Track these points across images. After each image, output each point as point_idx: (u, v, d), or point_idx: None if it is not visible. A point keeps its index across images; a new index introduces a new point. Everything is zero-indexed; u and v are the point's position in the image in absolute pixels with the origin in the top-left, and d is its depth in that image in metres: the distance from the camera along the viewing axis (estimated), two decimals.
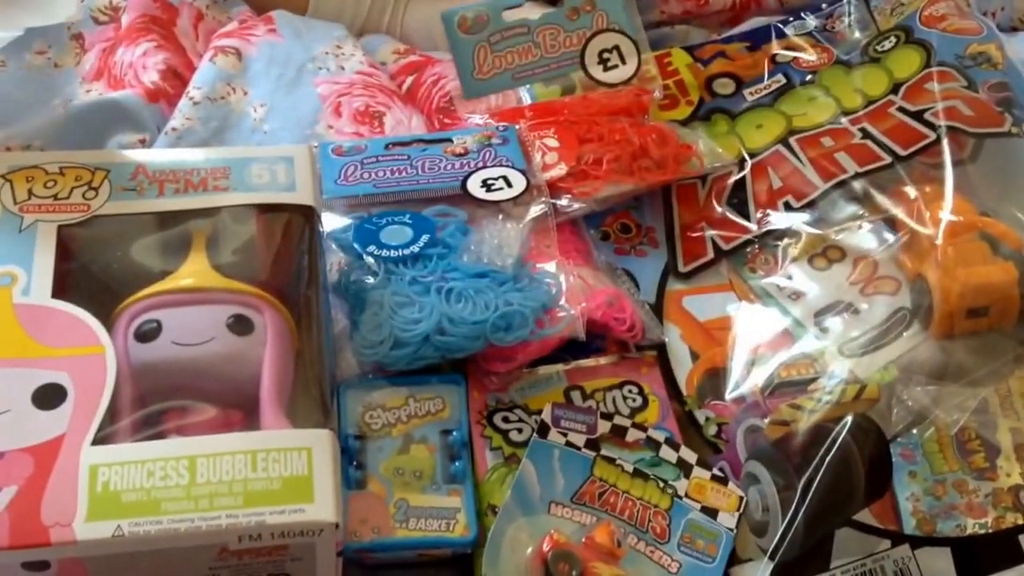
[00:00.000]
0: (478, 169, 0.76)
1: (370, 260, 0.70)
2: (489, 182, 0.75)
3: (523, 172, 0.76)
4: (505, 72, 0.83)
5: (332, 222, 0.72)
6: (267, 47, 0.88)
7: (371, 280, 0.69)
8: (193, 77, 0.85)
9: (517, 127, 0.80)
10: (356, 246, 0.71)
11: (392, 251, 0.70)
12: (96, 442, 0.56)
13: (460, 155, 0.77)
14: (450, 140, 0.79)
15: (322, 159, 0.77)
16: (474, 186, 0.75)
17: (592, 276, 0.75)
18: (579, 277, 0.73)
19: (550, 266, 0.72)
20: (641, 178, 0.78)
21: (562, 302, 0.70)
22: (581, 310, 0.70)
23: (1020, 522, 0.66)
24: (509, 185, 0.75)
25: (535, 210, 0.74)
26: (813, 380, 0.71)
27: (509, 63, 0.84)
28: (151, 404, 0.60)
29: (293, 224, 0.67)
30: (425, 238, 0.71)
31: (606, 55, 0.84)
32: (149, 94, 0.83)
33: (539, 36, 0.84)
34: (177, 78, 0.86)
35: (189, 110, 0.82)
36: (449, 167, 0.76)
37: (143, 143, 0.80)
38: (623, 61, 0.85)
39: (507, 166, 0.76)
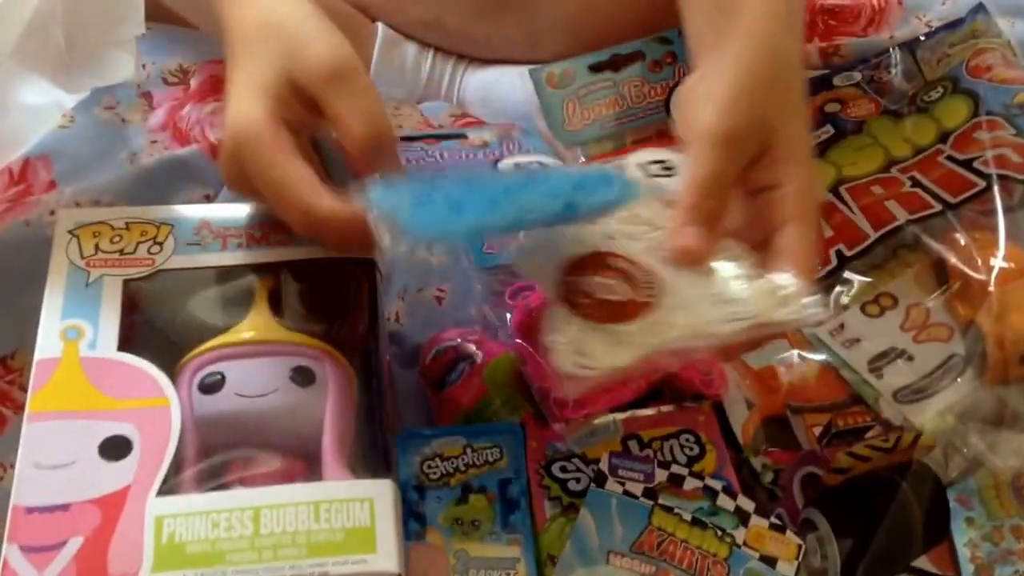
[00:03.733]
0: (505, 155, 0.71)
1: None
2: (523, 166, 0.70)
3: (553, 156, 0.70)
4: (594, 123, 0.82)
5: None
6: None
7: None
8: None
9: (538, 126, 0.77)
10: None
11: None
12: (161, 493, 0.55)
13: (480, 146, 0.73)
14: (465, 136, 0.74)
15: None
16: (507, 168, 0.70)
17: None
18: None
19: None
20: None
21: None
22: None
23: None
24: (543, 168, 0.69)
25: None
26: (869, 428, 0.69)
27: (597, 115, 0.83)
28: (215, 455, 0.58)
29: (353, 276, 0.65)
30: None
31: None
32: (214, 150, 0.82)
33: (624, 88, 0.83)
34: None
35: None
36: (471, 157, 0.71)
37: (208, 198, 0.79)
38: None
39: (536, 153, 0.71)
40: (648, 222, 0.60)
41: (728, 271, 0.59)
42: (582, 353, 0.55)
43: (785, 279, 0.58)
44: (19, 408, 0.69)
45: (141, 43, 0.89)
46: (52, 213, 0.74)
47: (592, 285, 0.57)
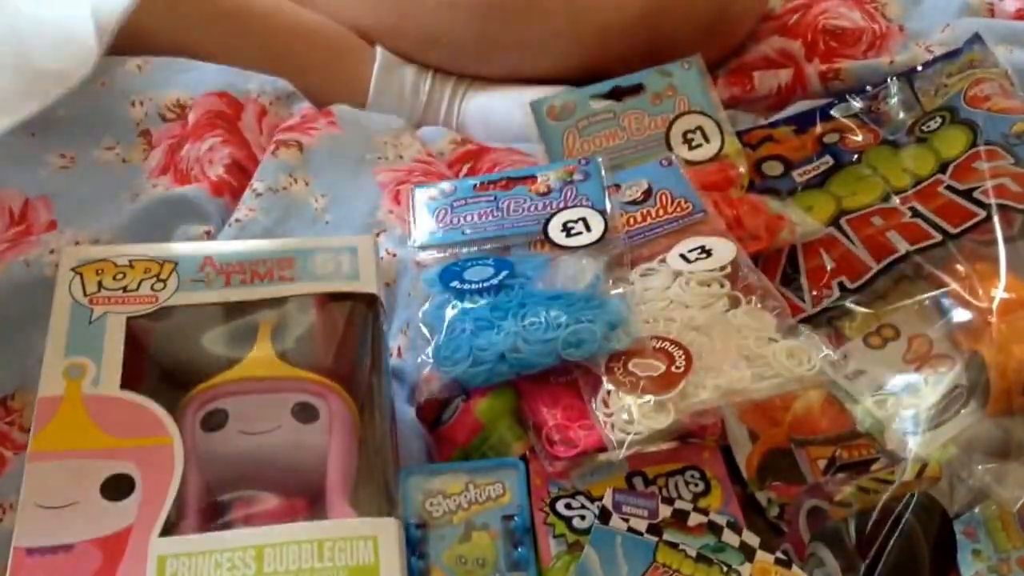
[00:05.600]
0: (559, 210, 0.76)
1: (454, 293, 0.71)
2: (569, 225, 0.75)
3: (602, 213, 0.76)
4: (594, 155, 0.83)
5: (423, 264, 0.75)
6: (327, 139, 0.87)
7: (454, 309, 0.70)
8: (256, 171, 0.84)
9: (599, 160, 0.79)
10: (441, 283, 0.72)
11: (475, 284, 0.71)
12: (164, 532, 0.55)
13: (543, 194, 0.77)
14: (534, 177, 0.79)
15: (414, 204, 0.78)
16: (555, 231, 0.75)
17: None
18: None
19: (619, 291, 0.72)
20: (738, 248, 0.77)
21: None
22: None
23: None
24: (588, 229, 0.75)
25: (612, 250, 0.74)
26: (874, 460, 0.68)
27: (597, 146, 0.84)
28: (218, 492, 0.59)
29: (357, 312, 0.65)
30: (504, 272, 0.72)
31: (690, 135, 0.85)
32: (214, 187, 0.82)
33: (625, 121, 0.85)
34: (241, 171, 0.85)
35: (252, 201, 0.81)
36: (532, 208, 0.77)
37: (208, 235, 0.79)
38: (707, 140, 0.85)
39: (587, 206, 0.76)
40: (684, 302, 0.72)
41: (752, 333, 0.69)
42: (629, 421, 0.65)
43: (804, 337, 0.69)
44: (19, 449, 0.69)
45: (137, 80, 0.91)
46: (52, 252, 0.75)
47: (635, 367, 0.67)
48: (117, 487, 0.56)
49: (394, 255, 0.80)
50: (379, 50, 0.97)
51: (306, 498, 0.59)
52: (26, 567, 0.53)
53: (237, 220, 0.80)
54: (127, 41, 0.91)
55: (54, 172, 0.83)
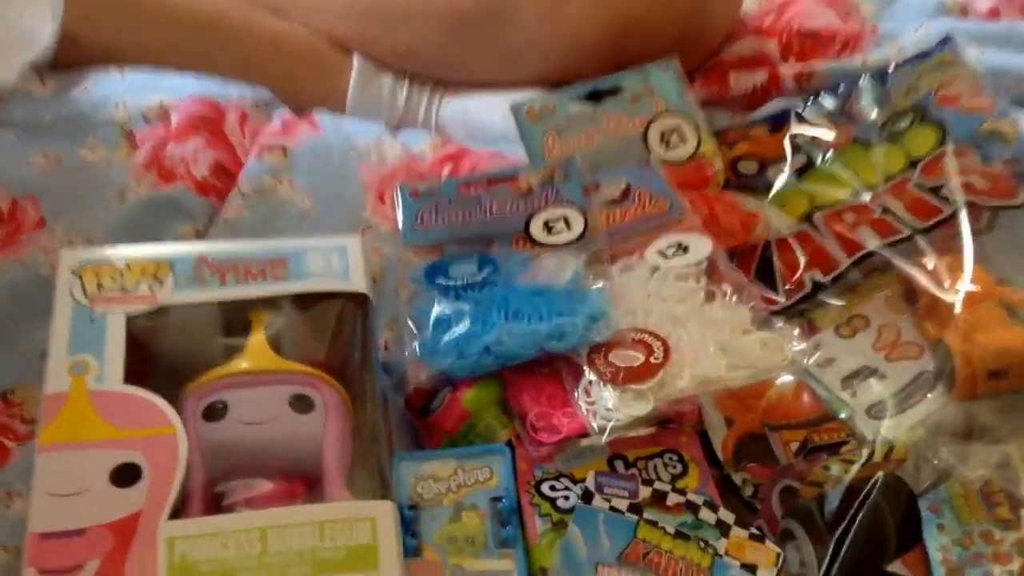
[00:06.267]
0: (541, 209, 0.84)
1: (440, 289, 0.78)
2: (550, 224, 0.83)
3: (582, 211, 0.83)
4: (573, 156, 0.89)
5: (409, 262, 0.82)
6: (310, 141, 0.94)
7: (440, 304, 0.77)
8: (241, 173, 0.91)
9: (579, 160, 0.86)
10: (427, 279, 0.79)
11: (460, 280, 0.79)
12: (171, 517, 0.61)
13: (525, 193, 0.84)
14: (516, 177, 0.86)
15: (400, 202, 0.85)
16: (536, 229, 0.83)
17: None
18: None
19: (599, 285, 0.79)
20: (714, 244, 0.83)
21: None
22: None
23: None
24: (568, 227, 0.82)
25: (592, 247, 0.81)
26: (844, 443, 0.76)
27: (577, 147, 0.90)
28: (220, 479, 0.65)
29: (347, 309, 0.72)
30: (488, 269, 0.79)
31: (667, 136, 0.91)
32: (200, 187, 0.89)
33: (603, 121, 0.91)
34: (225, 173, 0.91)
35: (239, 201, 0.88)
36: (514, 207, 0.84)
37: (198, 233, 0.86)
38: (683, 140, 0.91)
39: (567, 204, 0.83)
40: (662, 297, 0.79)
41: (727, 325, 0.77)
42: (609, 409, 0.73)
43: (777, 328, 0.77)
44: (21, 439, 0.75)
45: (119, 84, 0.97)
46: (47, 253, 0.81)
47: (615, 358, 0.74)
48: (125, 475, 0.62)
49: (380, 252, 0.87)
50: (356, 58, 1.04)
51: (304, 483, 0.66)
52: (41, 550, 0.60)
53: (226, 220, 0.87)
54: (104, 54, 0.98)
55: (40, 172, 0.89)
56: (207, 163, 0.91)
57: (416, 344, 0.76)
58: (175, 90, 0.96)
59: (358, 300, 0.72)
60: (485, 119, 1.00)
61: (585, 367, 0.75)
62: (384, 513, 0.62)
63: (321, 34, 1.04)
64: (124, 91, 0.96)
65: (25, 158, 0.89)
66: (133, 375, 0.67)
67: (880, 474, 0.72)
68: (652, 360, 0.75)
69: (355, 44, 1.04)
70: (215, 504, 0.64)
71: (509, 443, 0.75)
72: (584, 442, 0.75)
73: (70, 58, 0.97)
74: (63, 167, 0.89)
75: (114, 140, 0.92)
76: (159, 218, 0.87)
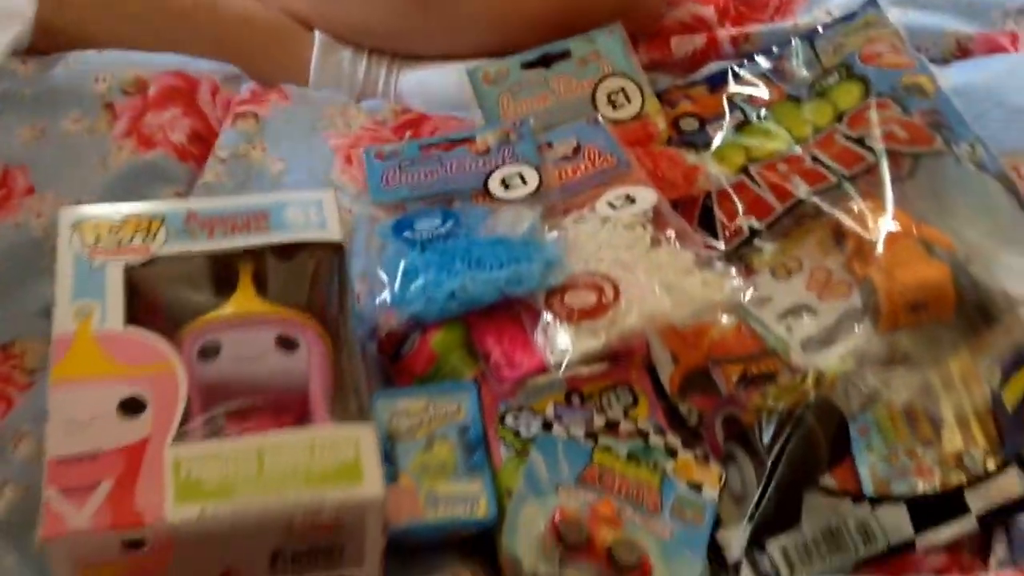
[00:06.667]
0: (497, 167, 0.93)
1: (407, 242, 0.87)
2: (507, 180, 0.92)
3: (536, 168, 0.92)
4: (527, 117, 0.99)
5: (376, 218, 0.91)
6: (280, 110, 1.03)
7: (408, 255, 0.86)
8: (217, 139, 1.00)
9: (532, 121, 0.96)
10: (395, 233, 0.88)
11: (425, 233, 0.87)
12: (175, 442, 0.70)
13: (482, 153, 0.94)
14: (473, 139, 0.95)
15: (366, 164, 0.94)
16: (495, 185, 0.92)
17: None
18: None
19: (553, 235, 0.88)
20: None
21: None
22: None
23: (963, 480, 0.79)
24: (524, 182, 0.92)
25: (546, 201, 0.91)
26: (779, 374, 0.85)
27: (530, 109, 1.00)
28: (216, 410, 0.74)
29: (324, 258, 0.81)
30: (451, 222, 0.88)
31: (613, 96, 1.02)
32: (179, 152, 0.98)
33: (554, 84, 1.02)
34: (201, 141, 1.00)
35: (217, 166, 0.97)
36: (473, 166, 0.94)
37: (179, 195, 0.95)
38: (629, 100, 1.02)
39: (522, 162, 0.93)
40: (612, 244, 0.88)
41: (672, 268, 0.86)
42: (565, 346, 0.82)
43: (717, 269, 0.87)
44: (22, 388, 0.84)
45: (97, 59, 1.06)
46: (39, 216, 0.90)
47: (569, 299, 0.84)
48: (131, 406, 0.70)
49: (349, 211, 0.96)
50: (317, 34, 1.13)
51: (291, 414, 0.75)
52: (59, 473, 0.68)
53: (205, 183, 0.96)
54: (73, 38, 1.07)
55: (26, 143, 0.98)
56: (184, 131, 1.00)
57: (387, 293, 0.86)
58: (150, 64, 1.05)
59: (335, 249, 0.81)
60: (442, 89, 1.09)
61: (543, 309, 0.84)
62: (366, 434, 0.71)
63: (282, 10, 1.13)
64: (101, 67, 1.04)
65: (11, 131, 0.98)
66: (132, 320, 0.75)
67: (812, 397, 0.82)
68: (603, 300, 0.84)
69: (312, 21, 1.13)
70: (213, 432, 0.73)
71: (475, 381, 0.85)
72: (543, 378, 0.84)
73: (45, 45, 1.06)
74: (48, 138, 0.98)
75: (95, 112, 1.01)
76: (142, 182, 0.96)
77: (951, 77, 1.02)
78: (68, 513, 0.66)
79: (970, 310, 0.86)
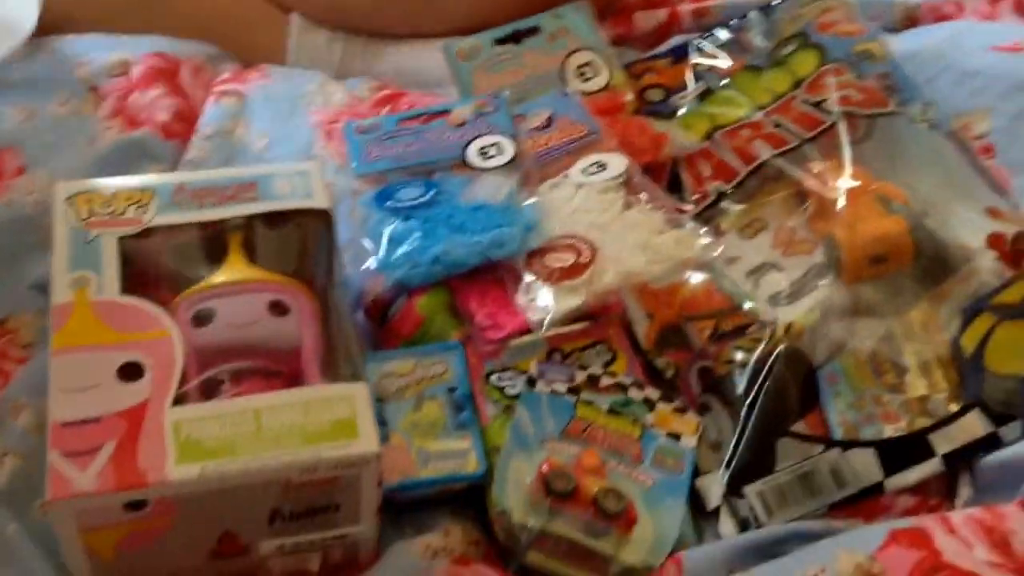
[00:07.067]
0: (475, 138, 0.91)
1: (390, 211, 0.86)
2: (484, 150, 0.91)
3: (512, 138, 0.91)
4: (501, 90, 0.98)
5: (359, 190, 0.89)
6: (261, 88, 1.02)
7: (392, 223, 0.85)
8: (200, 117, 0.98)
9: (506, 94, 0.95)
10: (377, 203, 0.86)
11: (408, 202, 0.86)
12: (174, 405, 0.69)
13: (459, 125, 0.92)
14: (449, 111, 0.94)
15: (347, 138, 0.92)
16: (473, 155, 0.91)
17: None
18: None
19: (531, 202, 0.87)
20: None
21: None
22: None
23: (928, 424, 0.79)
24: (501, 151, 0.91)
25: (523, 169, 0.90)
26: (748, 326, 0.84)
27: (503, 83, 0.99)
28: (212, 375, 0.72)
29: (314, 224, 0.80)
30: (433, 191, 0.87)
31: (582, 69, 1.01)
32: (165, 131, 0.96)
33: (525, 59, 1.01)
34: (185, 120, 0.98)
35: (202, 143, 0.95)
36: (451, 138, 0.92)
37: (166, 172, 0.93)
38: (597, 73, 1.01)
39: (499, 132, 0.92)
40: (587, 208, 0.87)
41: (644, 228, 0.85)
42: (546, 303, 0.81)
43: (688, 228, 0.86)
44: (18, 361, 0.82)
45: (79, 43, 1.04)
46: (31, 193, 0.88)
47: (549, 260, 0.83)
48: (130, 372, 0.69)
49: (331, 184, 0.94)
50: (294, 16, 1.11)
51: (285, 377, 0.73)
52: (63, 437, 0.66)
53: (190, 160, 0.94)
54: (56, 23, 1.05)
55: (15, 125, 0.96)
56: (168, 110, 0.98)
57: (373, 259, 0.84)
58: (133, 47, 1.03)
59: (322, 217, 0.80)
60: (416, 67, 1.08)
61: (523, 271, 0.83)
62: (359, 392, 0.70)
63: None
64: (85, 51, 1.02)
65: (1, 113, 0.96)
66: (127, 289, 0.73)
67: (781, 348, 0.81)
68: (581, 260, 0.83)
69: (289, 3, 1.11)
70: (210, 394, 0.71)
71: (460, 342, 0.83)
72: (526, 338, 0.83)
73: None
74: (37, 120, 0.96)
75: (81, 94, 0.99)
76: (129, 160, 0.94)
77: (902, 44, 1.02)
78: (73, 475, 0.65)
79: (928, 261, 0.85)
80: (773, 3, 1.04)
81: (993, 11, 1.09)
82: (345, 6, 1.10)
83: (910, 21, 1.10)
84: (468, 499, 0.78)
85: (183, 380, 0.70)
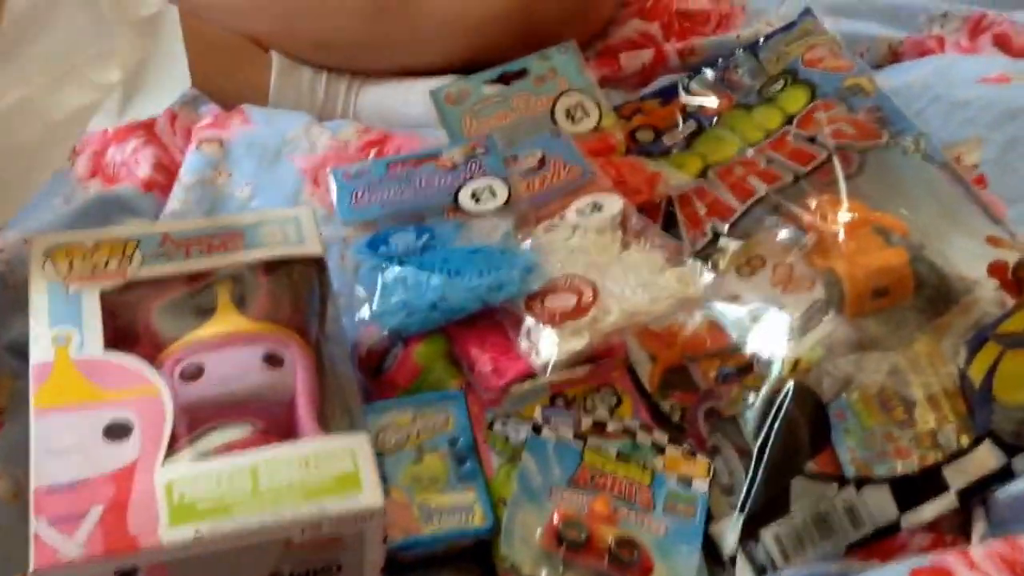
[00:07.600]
0: (467, 181, 0.87)
1: (383, 258, 0.81)
2: (477, 194, 0.86)
3: (505, 180, 0.87)
4: (491, 133, 0.94)
5: (349, 239, 0.84)
6: (243, 134, 0.96)
7: (385, 270, 0.80)
8: (182, 166, 0.93)
9: (496, 136, 0.91)
10: (370, 250, 0.82)
11: (401, 248, 0.82)
12: (165, 464, 0.63)
13: (450, 169, 0.88)
14: (439, 155, 0.90)
15: (335, 184, 0.87)
16: (465, 199, 0.86)
17: None
18: None
19: (528, 244, 0.83)
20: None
21: None
22: None
23: (940, 458, 0.75)
24: (494, 195, 0.86)
25: (518, 211, 0.86)
26: (753, 366, 0.80)
27: (492, 126, 0.95)
28: (202, 431, 0.67)
29: (306, 272, 0.75)
30: (426, 236, 0.82)
31: (572, 111, 0.97)
32: (144, 184, 0.91)
33: (514, 102, 0.96)
34: (165, 171, 0.93)
35: (183, 194, 0.90)
36: (442, 182, 0.88)
37: None
38: (587, 114, 0.97)
39: (492, 175, 0.87)
40: (585, 249, 0.84)
41: (644, 267, 0.82)
42: (549, 347, 0.76)
43: (687, 266, 0.83)
44: None
45: None
46: (2, 251, 0.82)
47: (550, 302, 0.79)
48: (117, 431, 0.64)
49: (319, 232, 0.89)
50: (274, 55, 1.06)
51: (279, 431, 0.68)
52: (48, 502, 0.60)
53: (172, 212, 0.89)
54: None
55: None
56: (148, 161, 0.93)
57: (366, 309, 0.79)
58: None
59: (316, 263, 0.75)
60: (400, 106, 1.03)
61: (524, 314, 0.79)
62: (362, 444, 0.65)
63: (239, 32, 1.06)
64: None
65: None
66: (111, 344, 0.68)
67: (790, 384, 0.77)
68: (583, 301, 0.79)
69: (273, 39, 1.06)
70: (203, 452, 0.65)
71: (461, 389, 0.78)
72: (528, 383, 0.78)
73: None
74: None
75: None
76: (106, 216, 0.88)
77: (888, 79, 0.99)
78: (58, 543, 0.60)
79: (929, 292, 0.82)
80: (759, 41, 1.01)
81: (974, 46, 1.07)
82: (330, 38, 1.06)
83: (894, 57, 1.08)
84: (474, 555, 0.73)
85: (173, 438, 0.65)
